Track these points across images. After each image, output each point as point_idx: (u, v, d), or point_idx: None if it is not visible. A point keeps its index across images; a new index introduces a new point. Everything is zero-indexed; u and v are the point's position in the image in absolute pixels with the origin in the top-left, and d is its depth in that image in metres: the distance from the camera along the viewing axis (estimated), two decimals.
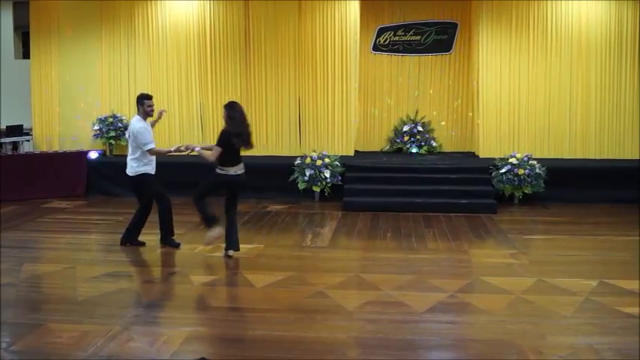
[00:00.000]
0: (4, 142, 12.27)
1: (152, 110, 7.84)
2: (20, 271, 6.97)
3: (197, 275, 6.85)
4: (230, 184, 7.51)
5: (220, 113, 12.77)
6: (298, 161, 11.39)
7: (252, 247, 8.05)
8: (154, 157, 7.83)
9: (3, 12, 14.56)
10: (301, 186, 11.21)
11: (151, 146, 7.63)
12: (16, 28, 14.60)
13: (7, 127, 12.57)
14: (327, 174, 11.07)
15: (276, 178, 11.50)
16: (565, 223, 9.52)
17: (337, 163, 11.29)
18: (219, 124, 12.83)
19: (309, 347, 4.86)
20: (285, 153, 12.66)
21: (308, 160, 11.22)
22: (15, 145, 12.54)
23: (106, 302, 5.96)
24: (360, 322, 5.39)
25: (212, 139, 12.84)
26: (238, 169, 7.47)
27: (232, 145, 7.29)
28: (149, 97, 7.86)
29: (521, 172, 10.65)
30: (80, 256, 7.71)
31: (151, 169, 7.80)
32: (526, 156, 10.98)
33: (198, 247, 7.91)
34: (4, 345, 4.98)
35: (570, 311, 5.58)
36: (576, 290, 6.15)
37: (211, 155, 7.33)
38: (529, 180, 10.69)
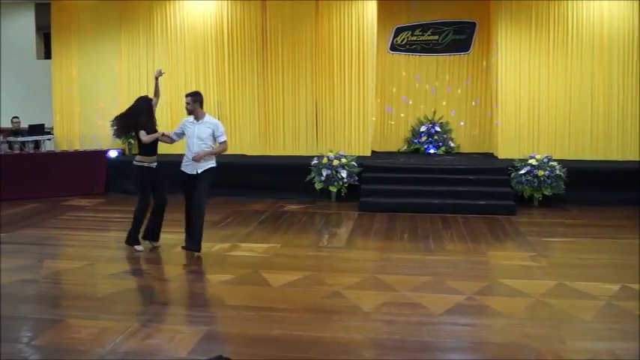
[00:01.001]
0: (27, 141, 12.40)
1: (186, 108, 7.70)
2: (41, 268, 7.06)
3: (214, 274, 6.87)
4: None
5: (238, 111, 12.99)
6: (315, 161, 11.39)
7: (269, 246, 8.06)
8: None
9: (25, 13, 14.72)
10: (318, 186, 11.21)
11: None
12: (38, 29, 14.75)
13: (29, 126, 12.72)
14: (344, 174, 11.06)
15: (293, 178, 11.51)
16: (585, 226, 9.42)
17: (354, 163, 11.28)
18: (237, 122, 12.97)
19: (326, 347, 4.85)
20: (302, 153, 12.67)
21: (325, 160, 11.22)
22: (37, 144, 12.67)
23: (125, 299, 6.02)
24: (376, 323, 5.37)
25: (230, 138, 12.73)
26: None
27: None
28: (186, 96, 7.74)
29: (540, 173, 10.57)
30: (99, 254, 7.77)
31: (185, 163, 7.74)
32: (546, 157, 10.89)
33: (215, 245, 7.94)
34: (25, 339, 5.04)
35: (591, 315, 5.52)
36: (597, 294, 6.08)
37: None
38: (549, 181, 10.59)
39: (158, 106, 8.04)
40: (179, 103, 12.97)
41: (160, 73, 8.10)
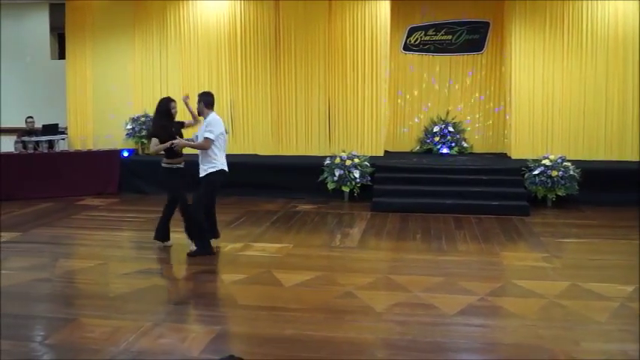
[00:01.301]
0: (41, 141, 12.48)
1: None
2: (55, 267, 7.10)
3: (227, 273, 6.89)
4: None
5: (251, 111, 13.01)
6: (327, 161, 11.38)
7: (281, 246, 8.06)
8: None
9: (39, 13, 14.82)
10: (330, 186, 11.20)
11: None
12: (52, 30, 14.84)
13: (43, 126, 12.79)
14: (357, 174, 11.05)
15: (306, 177, 11.50)
16: (599, 227, 9.35)
17: (367, 163, 11.26)
18: (250, 122, 12.99)
19: (338, 347, 4.85)
20: (315, 153, 12.66)
21: (337, 160, 11.21)
22: (51, 144, 12.74)
23: (138, 299, 6.04)
24: (388, 324, 5.37)
25: (242, 137, 12.99)
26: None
27: None
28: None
29: (554, 173, 10.51)
30: (113, 253, 7.81)
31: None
32: (560, 157, 10.83)
33: (228, 245, 7.96)
34: (38, 338, 5.08)
35: (604, 317, 5.48)
36: (611, 295, 6.04)
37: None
38: (562, 182, 10.53)
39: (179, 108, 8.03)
40: (192, 104, 13.02)
41: (188, 97, 8.08)
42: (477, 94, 13.50)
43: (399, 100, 13.72)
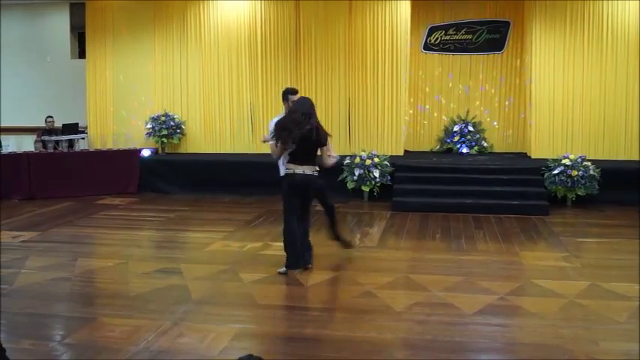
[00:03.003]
0: (61, 140, 12.59)
1: None
2: (74, 266, 7.16)
3: (246, 273, 6.89)
4: (296, 186, 6.89)
5: (270, 112, 13.01)
6: (347, 161, 11.36)
7: None
8: None
9: (60, 13, 14.93)
10: (350, 185, 11.19)
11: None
12: (72, 29, 14.94)
13: (63, 125, 12.89)
14: (377, 174, 11.03)
15: (325, 177, 11.39)
16: (619, 227, 9.25)
17: (386, 162, 11.23)
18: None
19: (358, 347, 4.85)
20: (335, 152, 12.60)
21: (357, 160, 11.19)
22: (71, 143, 12.85)
23: (157, 298, 6.06)
24: (408, 323, 5.35)
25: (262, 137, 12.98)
26: (307, 169, 6.87)
27: (300, 142, 6.65)
28: (294, 92, 7.08)
29: (574, 173, 10.42)
30: (132, 252, 7.85)
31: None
32: (580, 157, 10.73)
33: (247, 244, 7.97)
34: (58, 338, 5.12)
35: (624, 317, 5.42)
36: (631, 295, 5.98)
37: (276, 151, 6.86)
38: (582, 182, 10.44)
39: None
40: (211, 104, 13.11)
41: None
42: (497, 94, 13.42)
43: (419, 100, 13.67)
